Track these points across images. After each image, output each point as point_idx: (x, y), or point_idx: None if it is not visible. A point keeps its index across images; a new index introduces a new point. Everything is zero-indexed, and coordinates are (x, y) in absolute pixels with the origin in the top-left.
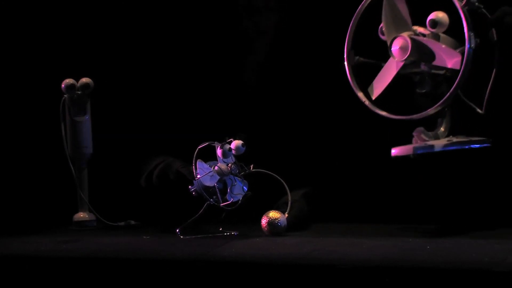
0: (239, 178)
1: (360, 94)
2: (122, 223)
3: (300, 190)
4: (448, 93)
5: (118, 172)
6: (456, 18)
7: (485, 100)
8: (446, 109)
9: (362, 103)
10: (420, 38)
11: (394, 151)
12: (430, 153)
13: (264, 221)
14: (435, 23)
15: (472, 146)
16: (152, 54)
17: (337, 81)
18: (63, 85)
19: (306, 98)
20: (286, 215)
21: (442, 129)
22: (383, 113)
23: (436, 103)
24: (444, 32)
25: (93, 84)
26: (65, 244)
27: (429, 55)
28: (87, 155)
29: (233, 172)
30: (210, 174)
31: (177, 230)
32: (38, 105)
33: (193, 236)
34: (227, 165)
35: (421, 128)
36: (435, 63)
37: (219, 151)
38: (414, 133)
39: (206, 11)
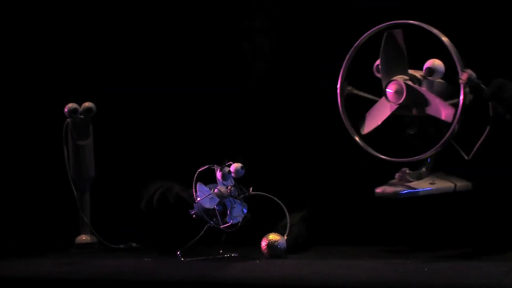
0: (238, 201)
1: (356, 137)
2: (123, 246)
3: (299, 212)
4: (439, 144)
5: (120, 195)
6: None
7: (474, 150)
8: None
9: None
10: (416, 86)
11: (377, 191)
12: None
13: (263, 243)
14: (431, 72)
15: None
16: (153, 79)
17: (335, 103)
18: (66, 109)
19: (303, 121)
20: (286, 237)
21: (423, 169)
22: (374, 153)
23: (422, 143)
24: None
25: (96, 109)
26: (66, 266)
27: (422, 103)
28: (90, 178)
29: (232, 194)
30: (210, 196)
31: (178, 253)
32: (41, 129)
33: (194, 258)
34: (227, 187)
35: (406, 169)
36: (428, 112)
37: (218, 174)
38: (398, 174)
39: (204, 29)
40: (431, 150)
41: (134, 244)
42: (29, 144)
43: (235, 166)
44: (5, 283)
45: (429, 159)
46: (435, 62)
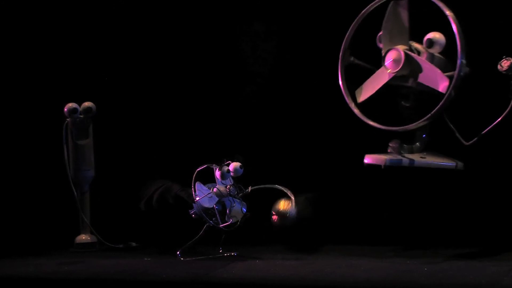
0: (237, 200)
1: (352, 104)
2: (122, 246)
3: (303, 195)
4: (429, 114)
5: (120, 195)
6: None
7: (480, 135)
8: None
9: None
10: (415, 56)
11: (366, 160)
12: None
13: (275, 210)
14: (431, 43)
15: (442, 165)
16: (152, 80)
17: (332, 100)
18: (65, 109)
19: (303, 121)
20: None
21: (418, 144)
22: (369, 121)
23: (418, 117)
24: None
25: (95, 108)
26: (66, 266)
27: (419, 73)
28: (89, 178)
29: (231, 193)
30: (209, 195)
31: (178, 252)
32: (41, 128)
33: (193, 258)
34: (226, 186)
35: (398, 141)
36: (423, 82)
37: (217, 173)
38: (390, 144)
39: (205, 30)
40: (422, 119)
41: (134, 244)
42: (29, 143)
43: (234, 165)
44: (5, 283)
45: (424, 135)
46: (436, 35)
